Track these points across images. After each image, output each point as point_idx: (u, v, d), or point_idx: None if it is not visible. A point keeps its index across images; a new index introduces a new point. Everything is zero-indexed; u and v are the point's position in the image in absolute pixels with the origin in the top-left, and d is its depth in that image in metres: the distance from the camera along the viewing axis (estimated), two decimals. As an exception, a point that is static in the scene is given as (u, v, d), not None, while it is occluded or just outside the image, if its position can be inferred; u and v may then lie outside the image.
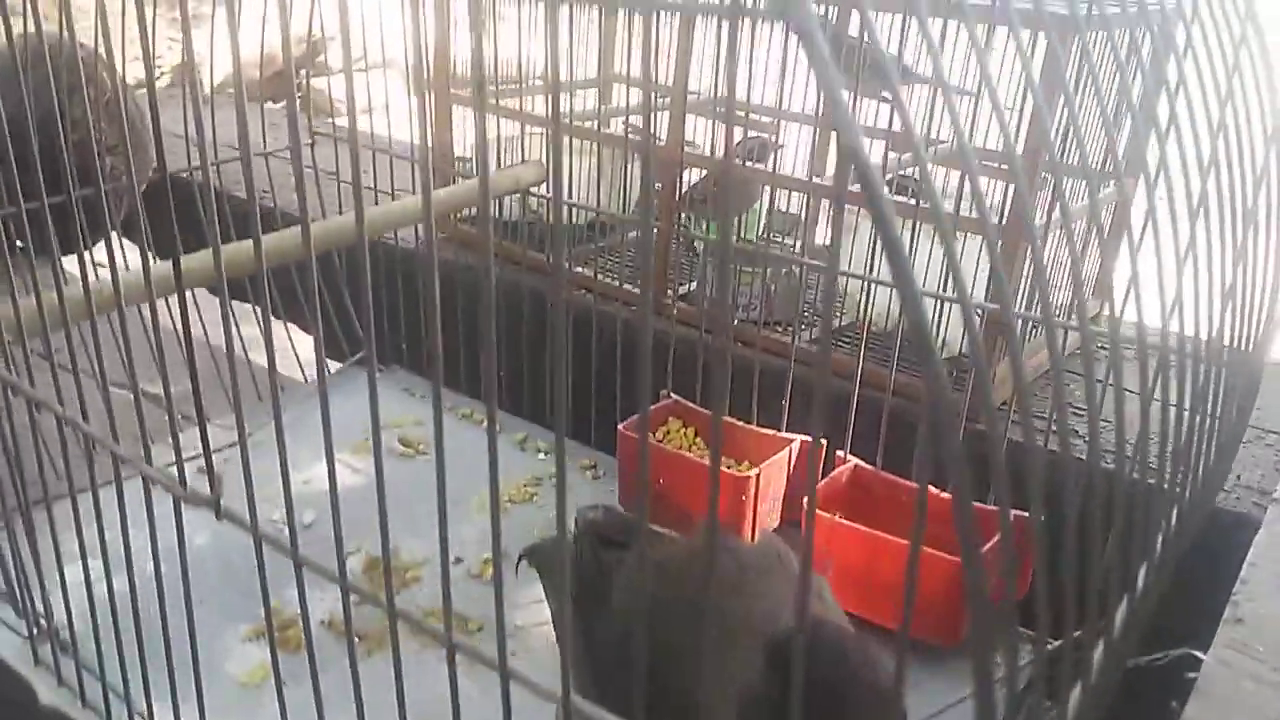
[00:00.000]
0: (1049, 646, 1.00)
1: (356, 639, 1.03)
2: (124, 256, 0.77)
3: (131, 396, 0.70)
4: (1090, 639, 0.43)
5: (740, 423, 1.22)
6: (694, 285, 1.51)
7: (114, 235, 0.79)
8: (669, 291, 1.48)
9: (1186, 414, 0.53)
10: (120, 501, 0.70)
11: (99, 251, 0.82)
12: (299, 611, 1.04)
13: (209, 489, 0.62)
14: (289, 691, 0.96)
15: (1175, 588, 0.90)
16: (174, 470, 0.66)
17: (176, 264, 0.65)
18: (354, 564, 1.13)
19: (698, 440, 1.24)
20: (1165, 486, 0.48)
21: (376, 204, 1.54)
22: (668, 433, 1.23)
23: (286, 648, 1.01)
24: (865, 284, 1.19)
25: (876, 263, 1.20)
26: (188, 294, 0.70)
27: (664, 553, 0.76)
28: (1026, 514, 0.99)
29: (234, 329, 1.15)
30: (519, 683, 0.52)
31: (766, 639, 0.61)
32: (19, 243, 0.93)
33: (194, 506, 0.64)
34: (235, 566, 1.11)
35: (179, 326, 0.62)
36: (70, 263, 0.85)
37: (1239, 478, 1.27)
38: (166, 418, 0.67)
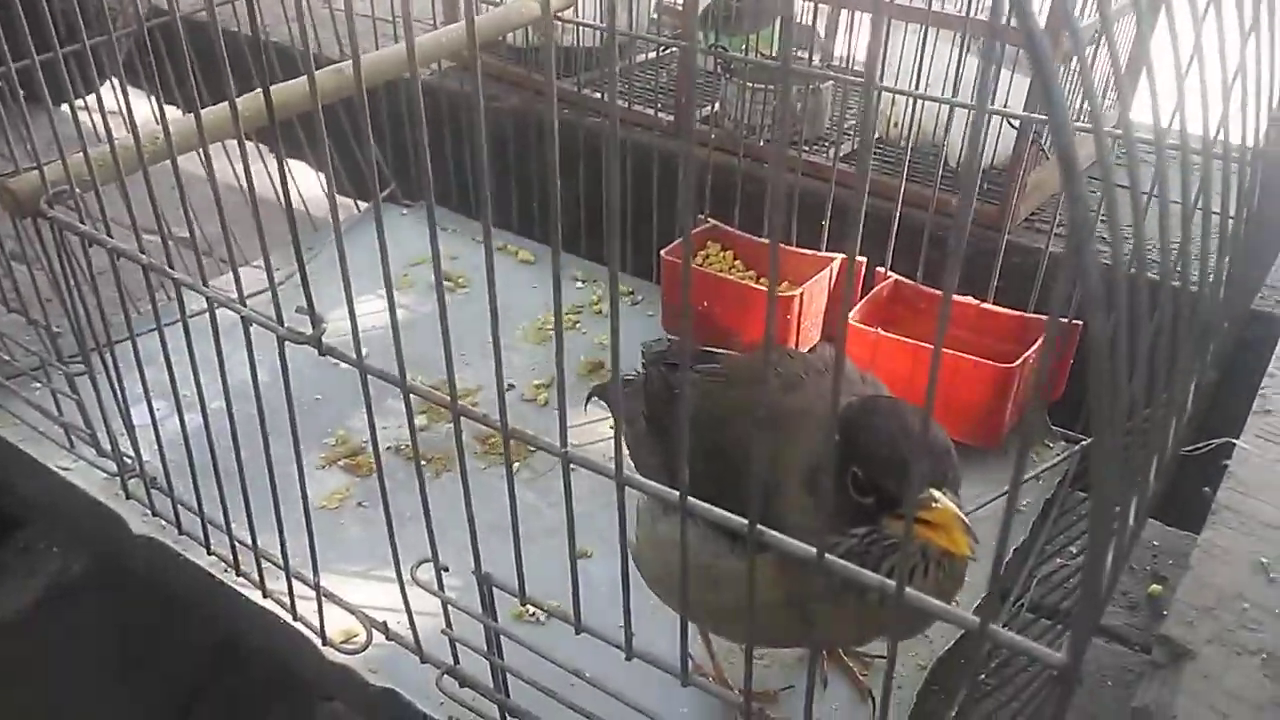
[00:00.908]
0: (1080, 443, 1.05)
1: (425, 460, 1.08)
2: (125, 103, 0.77)
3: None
4: (1151, 431, 0.46)
5: (780, 244, 1.24)
6: (717, 106, 1.49)
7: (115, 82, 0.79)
8: (696, 113, 1.47)
9: (1230, 220, 0.54)
10: (216, 339, 0.73)
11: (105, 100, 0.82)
12: (367, 439, 1.09)
13: (310, 327, 0.65)
14: (365, 512, 1.03)
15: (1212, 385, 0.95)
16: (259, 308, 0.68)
17: (233, 106, 0.65)
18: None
19: (737, 263, 1.26)
20: (1208, 290, 0.49)
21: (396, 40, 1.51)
22: (707, 257, 1.25)
23: (358, 473, 1.07)
24: (909, 100, 1.19)
25: (920, 78, 1.20)
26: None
27: (729, 362, 0.80)
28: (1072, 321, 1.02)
29: (286, 170, 1.16)
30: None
31: (824, 418, 0.65)
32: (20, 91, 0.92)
33: (295, 344, 0.66)
34: (299, 398, 1.14)
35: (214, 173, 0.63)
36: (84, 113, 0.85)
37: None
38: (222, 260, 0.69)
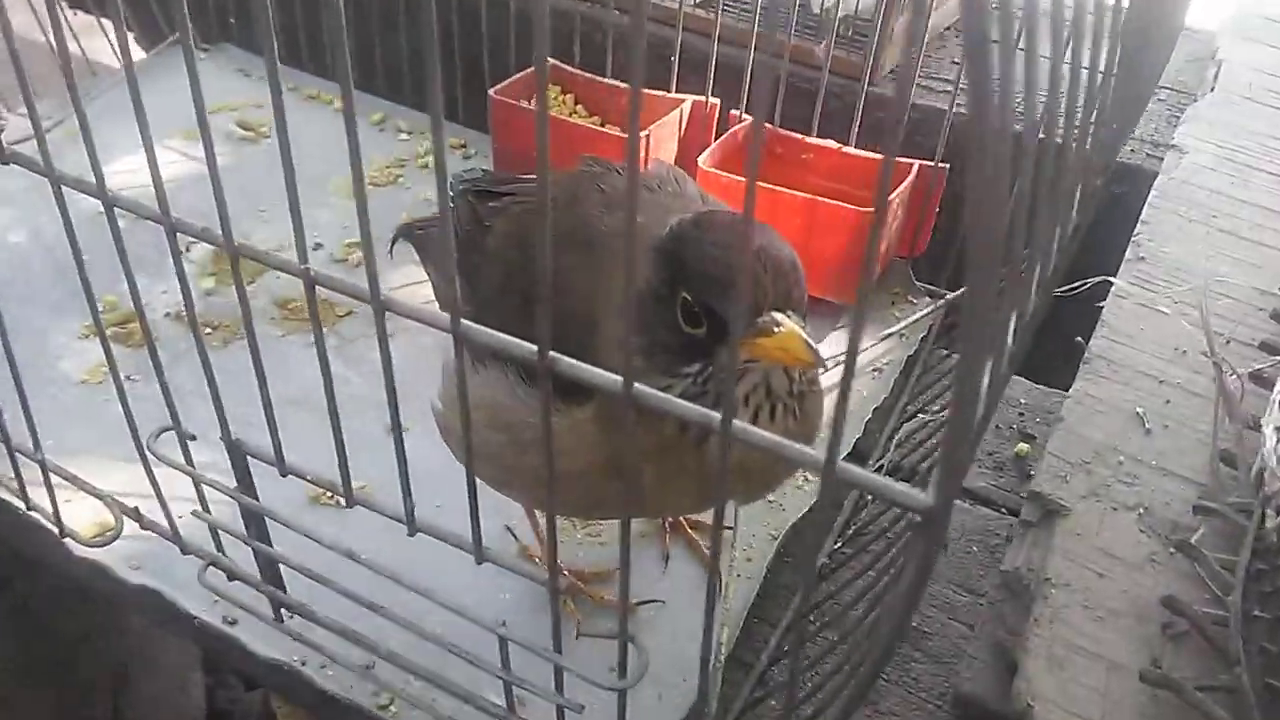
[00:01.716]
0: (945, 298, 0.97)
1: (211, 327, 0.93)
2: None
3: None
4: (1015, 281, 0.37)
5: (625, 84, 1.11)
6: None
7: None
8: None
9: (1099, 75, 0.46)
10: None
11: None
12: (139, 305, 0.93)
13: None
14: (135, 387, 0.88)
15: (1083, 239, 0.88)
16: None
17: None
18: (200, 252, 1.01)
19: (579, 107, 1.13)
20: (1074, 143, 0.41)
21: None
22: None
23: (128, 343, 0.91)
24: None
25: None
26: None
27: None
28: (931, 164, 0.93)
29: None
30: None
31: (654, 239, 0.54)
32: None
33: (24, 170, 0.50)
34: (62, 263, 0.98)
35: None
36: None
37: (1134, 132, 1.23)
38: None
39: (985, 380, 0.35)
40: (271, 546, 0.59)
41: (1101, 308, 0.87)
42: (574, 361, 0.40)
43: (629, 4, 1.18)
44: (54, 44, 0.49)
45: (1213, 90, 1.23)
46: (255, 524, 0.58)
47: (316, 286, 0.47)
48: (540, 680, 0.52)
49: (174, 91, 1.21)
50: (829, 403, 0.63)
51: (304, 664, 0.67)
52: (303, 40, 1.28)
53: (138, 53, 1.36)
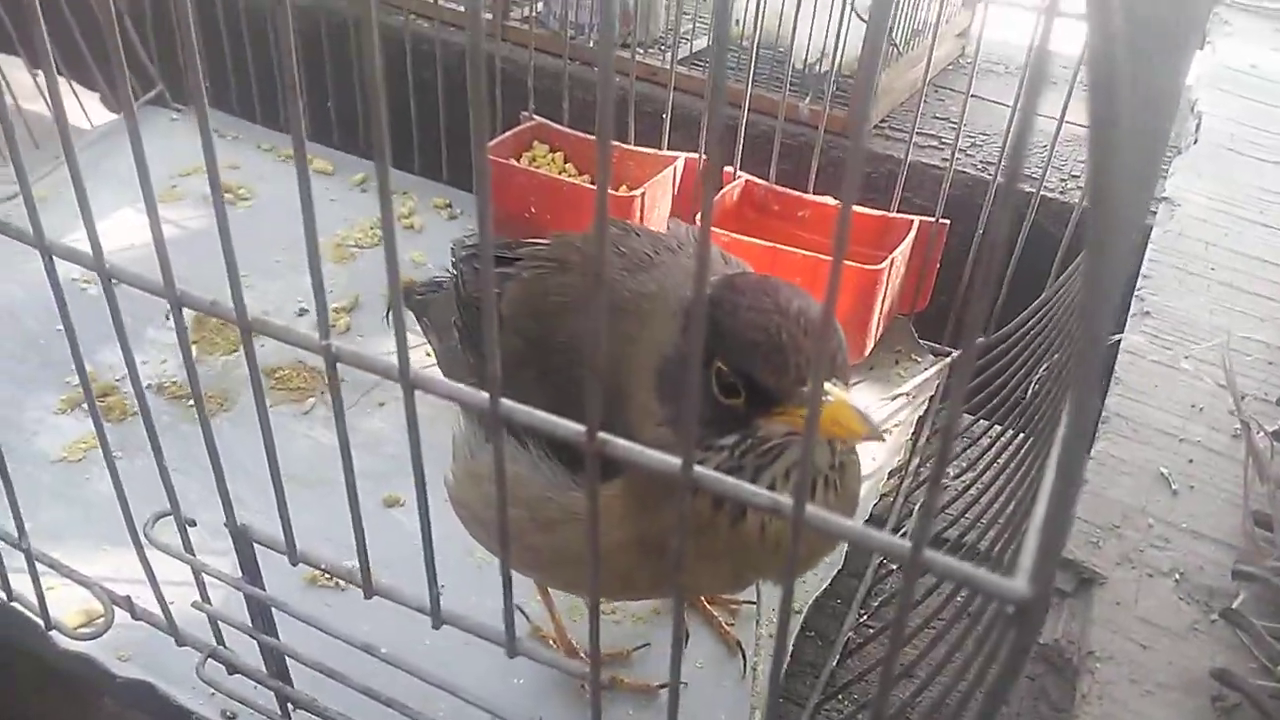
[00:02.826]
0: (953, 356, 0.95)
1: (192, 403, 0.88)
2: None
3: None
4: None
5: (617, 143, 1.09)
6: (540, 4, 1.33)
7: None
8: (513, 11, 1.31)
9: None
10: None
11: None
12: (118, 376, 0.89)
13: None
14: (118, 464, 0.83)
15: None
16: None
17: None
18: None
19: (568, 166, 1.11)
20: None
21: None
22: (533, 159, 1.09)
23: (109, 417, 0.86)
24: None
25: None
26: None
27: (559, 244, 0.65)
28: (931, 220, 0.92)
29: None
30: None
31: (682, 301, 0.51)
32: None
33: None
34: (32, 333, 0.93)
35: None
36: None
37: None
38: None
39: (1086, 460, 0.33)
40: (278, 638, 0.55)
41: (1114, 366, 0.86)
42: (626, 443, 0.37)
43: (600, 59, 1.18)
44: (47, 103, 0.46)
45: (1195, 142, 1.24)
46: (261, 615, 0.54)
47: (338, 365, 0.44)
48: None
49: (151, 153, 1.18)
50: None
51: (309, 764, 0.62)
52: (279, 100, 1.26)
53: (106, 114, 1.32)
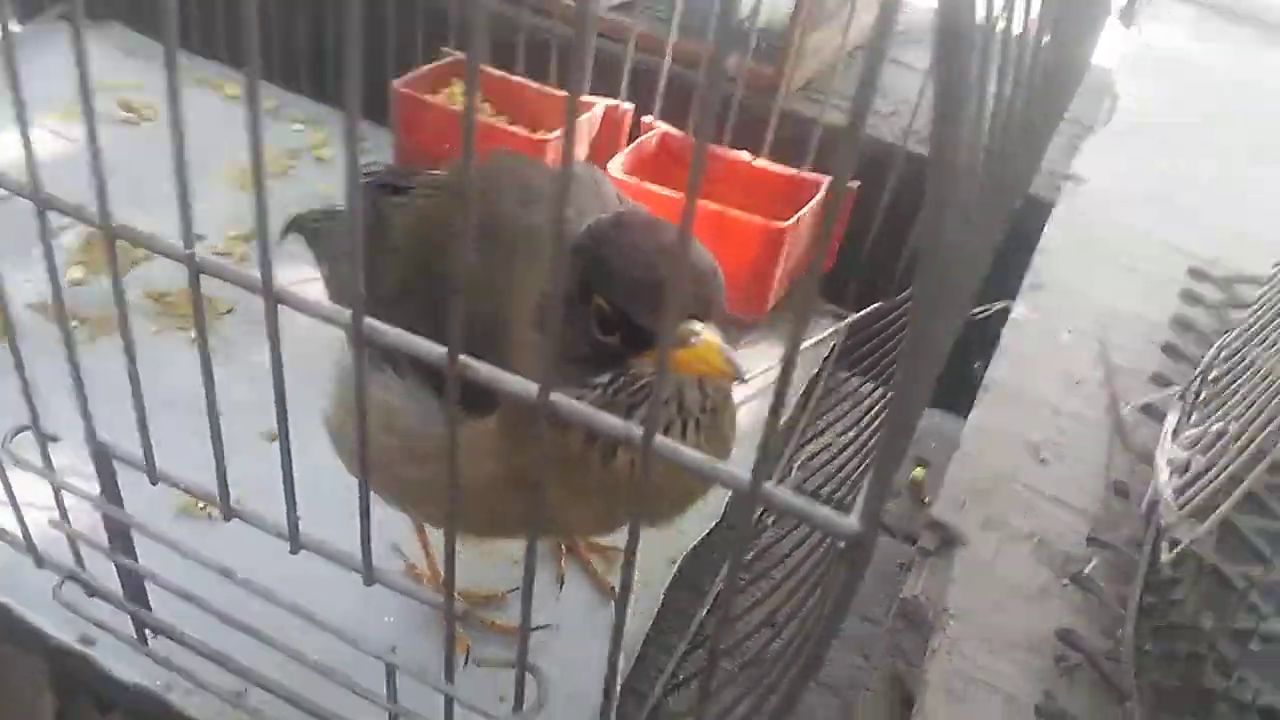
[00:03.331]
0: (849, 318, 0.97)
1: (76, 323, 0.86)
2: None
3: None
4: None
5: (534, 84, 1.08)
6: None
7: None
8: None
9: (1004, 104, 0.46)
10: None
11: None
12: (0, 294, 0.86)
13: None
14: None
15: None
16: None
17: None
18: (70, 239, 0.95)
19: (485, 105, 1.10)
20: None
21: None
22: (450, 95, 1.08)
23: (-11, 333, 0.84)
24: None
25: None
26: None
27: (455, 179, 0.64)
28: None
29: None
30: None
31: (572, 240, 0.51)
32: None
33: None
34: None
35: None
36: None
37: (1032, 161, 1.26)
38: None
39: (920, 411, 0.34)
40: (137, 561, 0.55)
41: (1000, 335, 0.88)
42: (487, 367, 0.37)
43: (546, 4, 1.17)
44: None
45: (1109, 123, 1.27)
46: (120, 537, 0.53)
47: (202, 276, 0.43)
48: (428, 711, 0.49)
49: (50, 68, 1.14)
50: (742, 417, 0.62)
51: (169, 689, 0.62)
52: (194, 22, 1.22)
53: (13, 27, 1.27)
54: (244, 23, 0.34)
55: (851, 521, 0.33)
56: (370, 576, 0.46)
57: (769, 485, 0.34)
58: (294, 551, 0.47)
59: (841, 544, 0.35)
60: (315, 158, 1.13)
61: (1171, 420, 0.76)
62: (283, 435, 0.44)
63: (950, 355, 0.67)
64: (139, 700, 0.62)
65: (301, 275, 0.91)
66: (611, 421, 0.35)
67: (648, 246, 0.49)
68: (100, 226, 0.44)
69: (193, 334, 0.89)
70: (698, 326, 0.47)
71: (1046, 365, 0.86)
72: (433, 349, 0.38)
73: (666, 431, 0.51)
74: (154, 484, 0.49)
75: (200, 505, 0.72)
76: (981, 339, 0.90)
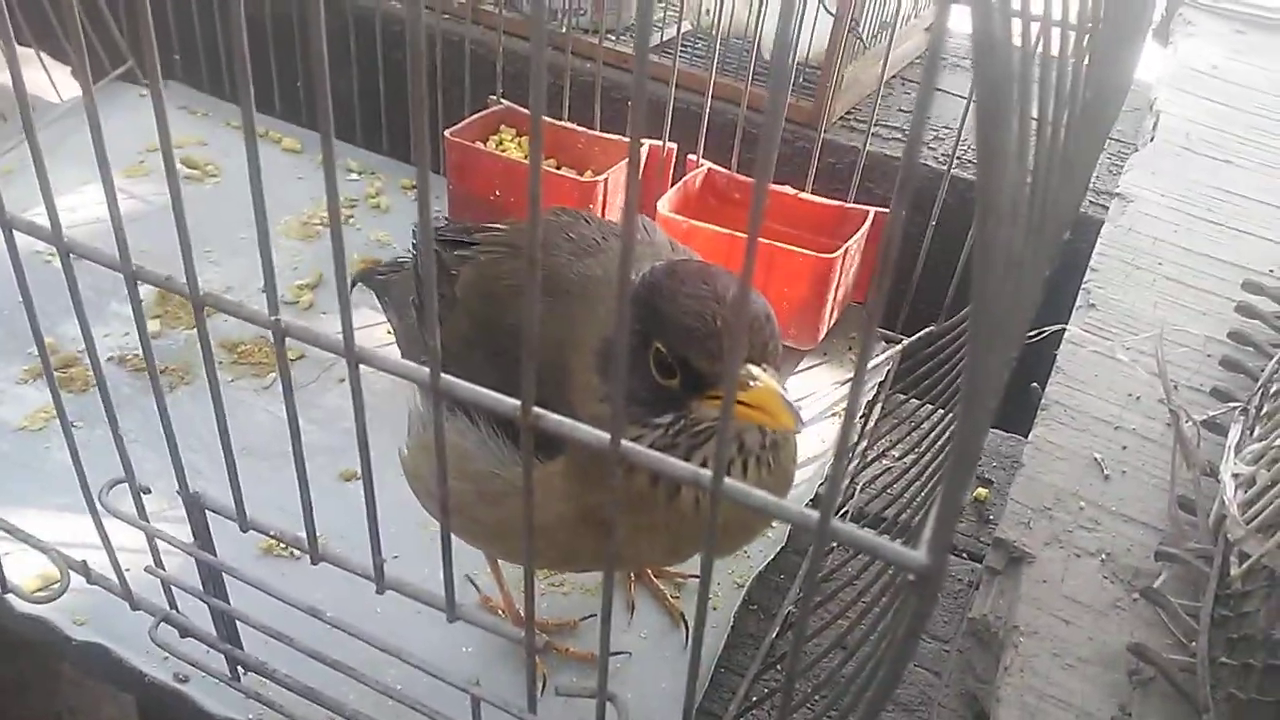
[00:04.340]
0: (904, 342, 0.97)
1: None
2: None
3: None
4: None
5: (582, 129, 1.11)
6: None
7: None
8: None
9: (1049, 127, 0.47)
10: None
11: None
12: (82, 348, 0.90)
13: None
14: (78, 434, 0.84)
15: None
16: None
17: None
18: (143, 294, 0.98)
19: (533, 149, 1.12)
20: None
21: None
22: (499, 142, 1.11)
23: (71, 387, 0.88)
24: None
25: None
26: None
27: (513, 237, 0.67)
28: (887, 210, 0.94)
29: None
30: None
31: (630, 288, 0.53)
32: None
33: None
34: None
35: None
36: None
37: (1078, 179, 1.26)
38: None
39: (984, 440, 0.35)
40: (229, 603, 0.57)
41: (1056, 355, 0.88)
42: (559, 418, 0.39)
43: (582, 48, 1.20)
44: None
45: (1152, 140, 1.27)
46: (212, 580, 0.56)
47: (286, 339, 0.45)
48: (512, 740, 0.50)
49: (114, 128, 1.19)
50: (802, 440, 0.63)
51: (260, 724, 0.64)
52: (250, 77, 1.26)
53: (77, 88, 1.32)
54: (317, 84, 0.36)
55: (920, 555, 0.34)
56: (453, 614, 0.48)
57: (836, 522, 0.35)
58: (380, 592, 0.49)
59: (911, 576, 0.36)
60: (371, 206, 1.16)
61: (1234, 434, 0.76)
62: (367, 484, 0.46)
63: (1009, 376, 0.68)
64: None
65: (365, 320, 0.95)
66: (681, 467, 0.37)
67: (702, 293, 0.51)
68: (191, 297, 0.46)
69: (265, 382, 0.92)
70: (755, 370, 0.48)
71: (1104, 383, 0.86)
72: (505, 403, 0.39)
73: (729, 470, 0.53)
74: (244, 531, 0.51)
75: (282, 546, 0.75)
76: (1038, 360, 0.91)
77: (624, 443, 0.37)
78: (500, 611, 0.72)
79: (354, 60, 1.24)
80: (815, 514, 0.35)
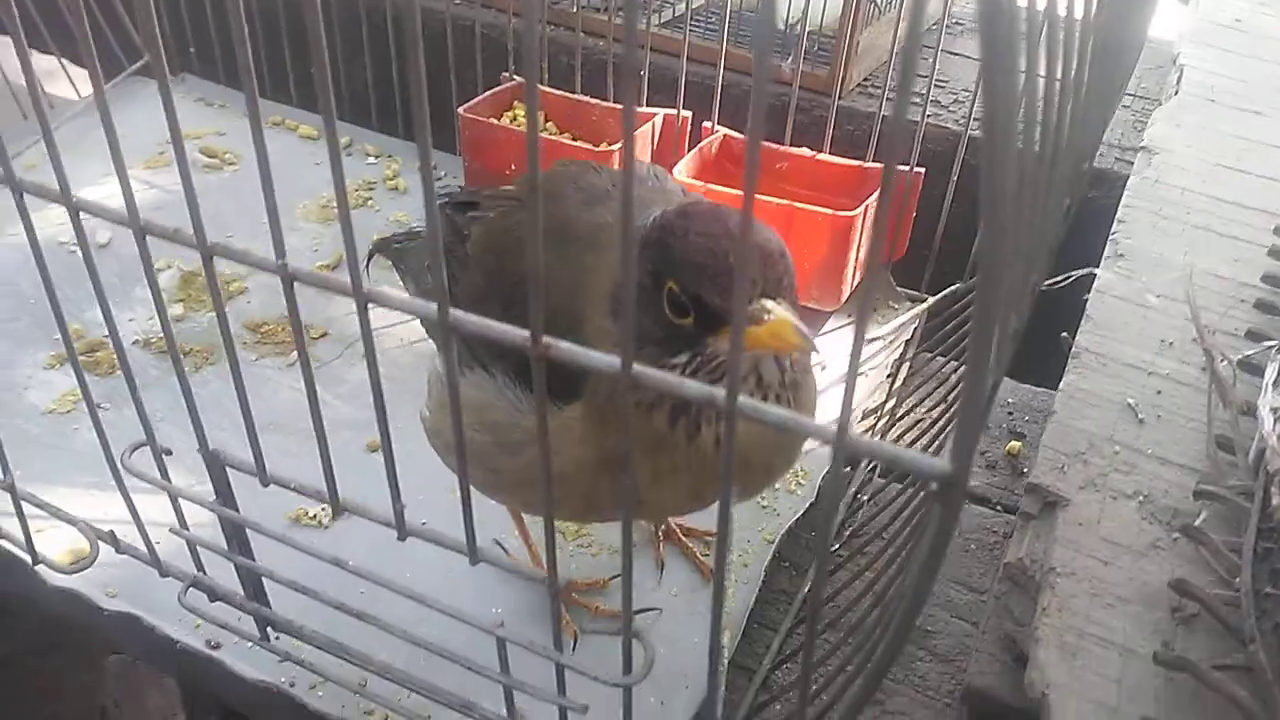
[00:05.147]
0: (928, 301, 0.96)
1: (182, 352, 0.90)
2: None
3: None
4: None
5: (595, 100, 1.10)
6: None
7: None
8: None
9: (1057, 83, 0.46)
10: None
11: None
12: (106, 334, 0.91)
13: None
14: (105, 415, 0.85)
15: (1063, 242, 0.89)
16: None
17: None
18: (168, 279, 0.99)
19: (549, 124, 1.12)
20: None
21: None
22: (514, 117, 1.11)
23: (96, 371, 0.88)
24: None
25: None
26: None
27: (522, 190, 0.66)
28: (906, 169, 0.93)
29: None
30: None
31: (637, 229, 0.52)
32: None
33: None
34: (25, 294, 0.95)
35: None
36: None
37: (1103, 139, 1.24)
38: None
39: (995, 345, 0.34)
40: (254, 560, 0.57)
41: (1085, 302, 0.87)
42: (570, 345, 0.39)
43: (594, 27, 1.20)
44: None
45: (1176, 94, 1.24)
46: (236, 538, 0.56)
47: (295, 284, 0.45)
48: (540, 684, 0.50)
49: (133, 122, 1.20)
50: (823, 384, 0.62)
51: (293, 685, 0.64)
52: (266, 68, 1.27)
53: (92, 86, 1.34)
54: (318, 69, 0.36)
55: (942, 463, 0.34)
56: (475, 556, 0.47)
57: (855, 434, 0.34)
58: (401, 538, 0.48)
59: (934, 486, 0.35)
60: (390, 188, 1.16)
61: (1271, 372, 0.74)
62: (383, 422, 0.46)
63: (1036, 329, 0.67)
64: (266, 698, 0.64)
65: (385, 319, 0.95)
66: (694, 386, 0.36)
67: (714, 230, 0.50)
68: (199, 248, 0.46)
69: (288, 359, 0.92)
70: (769, 304, 0.47)
71: (1135, 330, 0.85)
72: (516, 332, 0.39)
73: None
74: (265, 486, 0.51)
75: (310, 514, 0.75)
76: (1067, 310, 0.89)
77: (635, 366, 0.37)
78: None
79: (367, 50, 1.25)
80: (830, 427, 0.34)
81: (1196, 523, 0.66)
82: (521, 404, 0.56)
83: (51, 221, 0.49)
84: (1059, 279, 0.86)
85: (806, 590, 0.73)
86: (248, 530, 0.57)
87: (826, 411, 0.82)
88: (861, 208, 0.92)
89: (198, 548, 0.58)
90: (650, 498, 0.55)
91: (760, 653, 0.70)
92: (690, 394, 0.37)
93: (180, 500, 0.56)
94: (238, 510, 0.55)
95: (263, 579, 0.58)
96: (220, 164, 1.15)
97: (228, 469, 0.53)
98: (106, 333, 0.90)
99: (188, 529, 0.57)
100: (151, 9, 0.39)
